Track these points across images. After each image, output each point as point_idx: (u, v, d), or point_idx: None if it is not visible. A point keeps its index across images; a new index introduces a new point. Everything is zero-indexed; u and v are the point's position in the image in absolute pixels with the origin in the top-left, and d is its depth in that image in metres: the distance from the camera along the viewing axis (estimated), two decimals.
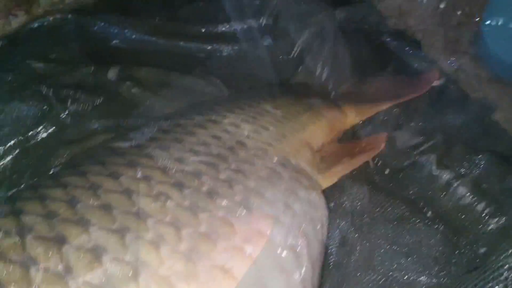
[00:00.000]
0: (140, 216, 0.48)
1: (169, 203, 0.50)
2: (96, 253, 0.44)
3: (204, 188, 0.53)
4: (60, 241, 0.45)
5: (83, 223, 0.47)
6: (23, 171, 0.75)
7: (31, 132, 0.77)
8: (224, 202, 0.52)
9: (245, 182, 0.56)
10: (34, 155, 0.76)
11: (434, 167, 0.64)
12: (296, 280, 0.51)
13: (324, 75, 0.90)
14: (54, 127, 0.78)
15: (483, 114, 0.78)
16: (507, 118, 0.79)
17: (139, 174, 0.54)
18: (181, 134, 0.64)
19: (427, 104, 0.75)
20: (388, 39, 0.89)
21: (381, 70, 0.87)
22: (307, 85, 0.89)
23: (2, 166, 0.75)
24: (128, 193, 0.51)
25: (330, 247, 0.61)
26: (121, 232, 0.46)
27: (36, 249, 0.44)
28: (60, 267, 0.43)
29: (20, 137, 0.76)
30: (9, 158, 0.76)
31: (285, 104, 0.76)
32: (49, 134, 0.78)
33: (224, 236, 0.49)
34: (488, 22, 0.81)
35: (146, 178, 0.54)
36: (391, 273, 0.57)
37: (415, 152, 0.67)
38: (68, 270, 0.43)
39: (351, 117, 0.79)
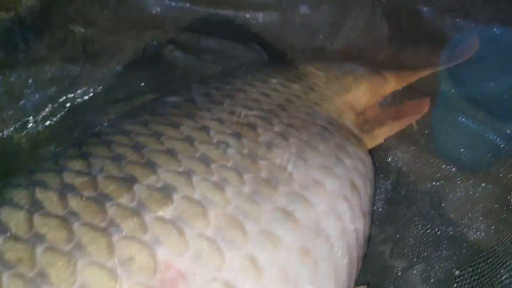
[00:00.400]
0: (203, 160, 0.50)
1: (229, 151, 0.52)
2: (166, 192, 0.46)
3: (261, 139, 0.55)
4: (130, 180, 0.47)
5: (150, 166, 0.48)
6: (72, 129, 0.77)
7: (77, 91, 0.79)
8: (281, 152, 0.54)
9: (298, 136, 0.57)
10: (81, 114, 0.78)
11: (480, 127, 0.65)
12: (350, 229, 0.52)
13: (363, 42, 0.91)
14: (100, 87, 0.80)
15: None
16: None
17: (198, 124, 0.56)
18: (231, 91, 0.66)
19: None
20: (427, 8, 0.89)
21: (421, 38, 0.88)
22: (347, 51, 0.90)
23: (50, 125, 0.77)
24: (189, 140, 0.52)
25: (378, 203, 0.63)
26: (187, 174, 0.48)
27: (109, 187, 0.46)
28: (133, 204, 0.44)
29: (66, 97, 0.78)
30: (56, 117, 0.78)
31: (328, 67, 0.77)
32: (95, 94, 0.79)
33: (284, 182, 0.50)
34: None
35: (205, 128, 0.55)
36: (438, 228, 0.59)
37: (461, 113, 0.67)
38: (141, 205, 0.44)
39: (392, 83, 0.80)
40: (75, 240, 0.41)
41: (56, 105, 0.79)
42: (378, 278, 0.56)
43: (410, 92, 0.79)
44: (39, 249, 0.40)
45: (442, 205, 0.60)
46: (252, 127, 0.57)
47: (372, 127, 0.70)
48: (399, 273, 0.56)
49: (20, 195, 0.46)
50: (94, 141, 0.54)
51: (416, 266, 0.56)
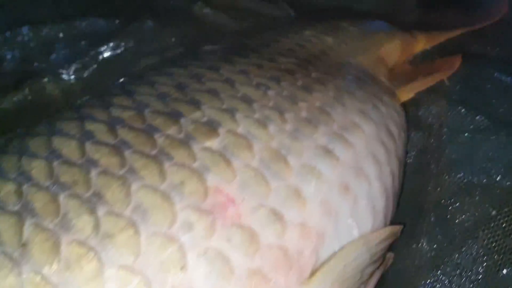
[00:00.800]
0: (245, 100, 0.51)
1: (269, 92, 0.53)
2: (211, 126, 0.47)
3: (299, 83, 0.56)
4: (176, 115, 0.48)
5: (194, 103, 0.49)
6: (105, 82, 0.78)
7: (108, 46, 0.79)
8: (320, 96, 0.54)
9: (335, 82, 0.58)
10: (113, 67, 0.79)
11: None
12: (386, 171, 0.53)
13: (392, 3, 0.90)
14: (131, 42, 0.80)
15: None
16: None
17: (236, 68, 0.57)
18: (266, 41, 0.66)
19: None
20: None
21: None
22: (375, 12, 0.90)
23: (83, 78, 0.78)
24: (230, 82, 0.53)
25: (410, 154, 0.63)
26: (230, 111, 0.49)
27: (156, 120, 0.47)
28: (181, 135, 0.46)
29: (97, 51, 0.79)
30: (88, 70, 0.79)
31: (360, 23, 0.77)
32: (127, 48, 0.80)
33: (324, 123, 0.51)
34: None
35: (244, 72, 0.56)
36: (471, 176, 0.59)
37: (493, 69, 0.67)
38: (188, 137, 0.45)
39: (421, 42, 0.80)
40: (128, 165, 0.42)
41: (87, 58, 0.80)
42: (412, 220, 0.58)
43: (440, 52, 0.80)
44: (93, 173, 0.42)
45: (475, 155, 0.61)
46: (290, 72, 0.58)
47: (403, 82, 0.70)
48: (432, 219, 0.58)
49: (69, 126, 0.47)
50: (137, 81, 0.56)
51: (450, 209, 0.57)
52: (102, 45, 0.80)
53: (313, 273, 0.43)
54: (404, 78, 0.72)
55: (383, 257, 0.51)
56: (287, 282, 0.41)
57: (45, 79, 0.77)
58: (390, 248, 0.53)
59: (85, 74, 0.79)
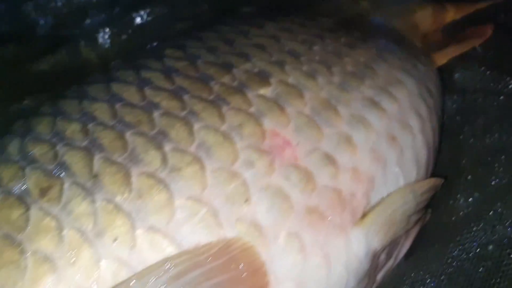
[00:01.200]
0: (292, 54, 0.52)
1: (315, 47, 0.54)
2: (263, 76, 0.48)
3: (342, 40, 0.57)
4: (228, 66, 0.49)
5: (244, 55, 0.51)
6: (140, 46, 0.79)
7: (143, 11, 0.80)
8: (363, 52, 0.56)
9: (376, 41, 0.60)
10: (148, 31, 0.80)
11: None
12: (428, 126, 0.55)
13: None
14: (164, 8, 0.81)
15: None
16: None
17: (280, 26, 0.58)
18: (302, 6, 0.68)
19: None
20: None
21: None
22: None
23: (118, 42, 0.79)
24: (275, 38, 0.55)
25: (445, 116, 0.65)
26: (280, 63, 0.50)
27: (210, 70, 0.49)
28: (235, 83, 0.47)
29: (131, 16, 0.80)
30: (122, 36, 0.80)
31: None
32: (161, 14, 0.81)
33: (369, 77, 0.53)
34: None
35: (288, 29, 0.57)
36: (506, 137, 0.60)
37: None
38: (242, 85, 0.47)
39: (452, 12, 0.81)
40: (188, 108, 0.44)
41: (121, 24, 0.81)
42: (449, 178, 0.59)
43: (469, 22, 0.80)
44: (155, 114, 0.43)
45: (508, 118, 0.62)
46: (332, 31, 0.59)
47: (436, 49, 0.72)
48: (469, 177, 0.59)
49: (126, 74, 0.49)
50: (185, 37, 0.57)
51: (485, 169, 0.58)
52: (136, 11, 0.81)
53: (364, 214, 0.45)
54: (437, 45, 0.74)
55: (424, 209, 0.53)
56: (342, 221, 0.43)
57: (81, 43, 0.79)
58: (428, 204, 0.55)
59: (120, 39, 0.80)
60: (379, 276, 0.50)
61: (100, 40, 0.80)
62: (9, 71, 0.73)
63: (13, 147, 0.43)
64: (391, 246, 0.49)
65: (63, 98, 0.48)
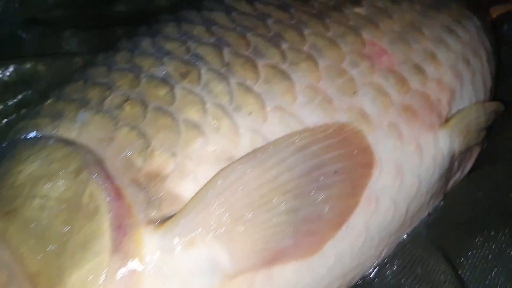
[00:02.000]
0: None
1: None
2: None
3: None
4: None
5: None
6: None
7: None
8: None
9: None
10: None
11: None
12: (492, 60, 0.61)
13: None
14: None
15: None
16: None
17: None
18: None
19: None
20: None
21: None
22: None
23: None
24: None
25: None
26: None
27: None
28: (332, 2, 0.54)
29: None
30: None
31: None
32: None
33: (446, 9, 0.59)
34: None
35: None
36: None
37: None
38: (339, 4, 0.54)
39: None
40: (296, 18, 0.51)
41: None
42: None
43: None
44: (269, 21, 0.50)
45: None
46: None
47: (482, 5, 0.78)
48: None
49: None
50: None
51: None
52: None
53: (447, 120, 0.51)
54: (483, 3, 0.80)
55: (486, 133, 0.59)
56: (431, 120, 0.50)
57: None
58: (488, 134, 0.61)
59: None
60: (450, 184, 0.56)
61: None
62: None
63: (146, 43, 0.49)
64: (462, 156, 0.55)
65: (184, 9, 0.53)
